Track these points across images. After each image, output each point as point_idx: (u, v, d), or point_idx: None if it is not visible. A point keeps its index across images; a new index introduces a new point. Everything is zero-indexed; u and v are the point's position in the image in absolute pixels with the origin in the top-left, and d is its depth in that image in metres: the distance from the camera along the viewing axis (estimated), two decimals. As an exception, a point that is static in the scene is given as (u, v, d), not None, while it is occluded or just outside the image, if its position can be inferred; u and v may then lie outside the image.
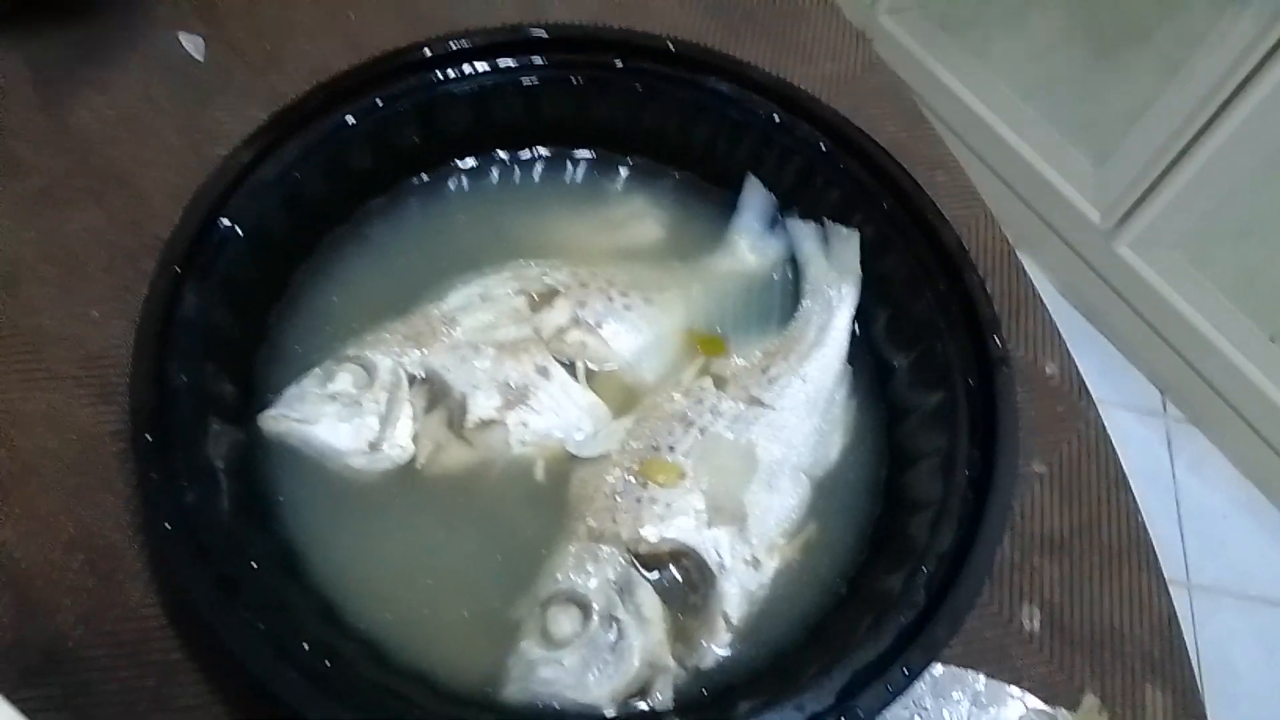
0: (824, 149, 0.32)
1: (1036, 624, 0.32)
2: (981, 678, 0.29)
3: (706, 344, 0.31)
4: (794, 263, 0.33)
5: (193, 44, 0.40)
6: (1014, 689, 0.29)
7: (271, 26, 0.37)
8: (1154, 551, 0.35)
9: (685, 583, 0.27)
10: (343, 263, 0.31)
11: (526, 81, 0.31)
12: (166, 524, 0.23)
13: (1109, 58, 1.29)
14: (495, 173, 0.33)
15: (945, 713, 0.28)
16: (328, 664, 0.22)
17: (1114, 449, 0.36)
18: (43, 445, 0.33)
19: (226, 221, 0.28)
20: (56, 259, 0.37)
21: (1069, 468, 0.35)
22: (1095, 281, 1.39)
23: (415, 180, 0.32)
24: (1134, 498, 0.36)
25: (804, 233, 0.33)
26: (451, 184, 0.32)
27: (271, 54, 0.35)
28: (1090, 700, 0.32)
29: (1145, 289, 1.33)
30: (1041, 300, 0.41)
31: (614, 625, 0.24)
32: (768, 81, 0.33)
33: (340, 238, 0.31)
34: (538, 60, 0.31)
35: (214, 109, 0.35)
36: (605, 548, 0.25)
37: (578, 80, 0.32)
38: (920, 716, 0.28)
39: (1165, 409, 1.39)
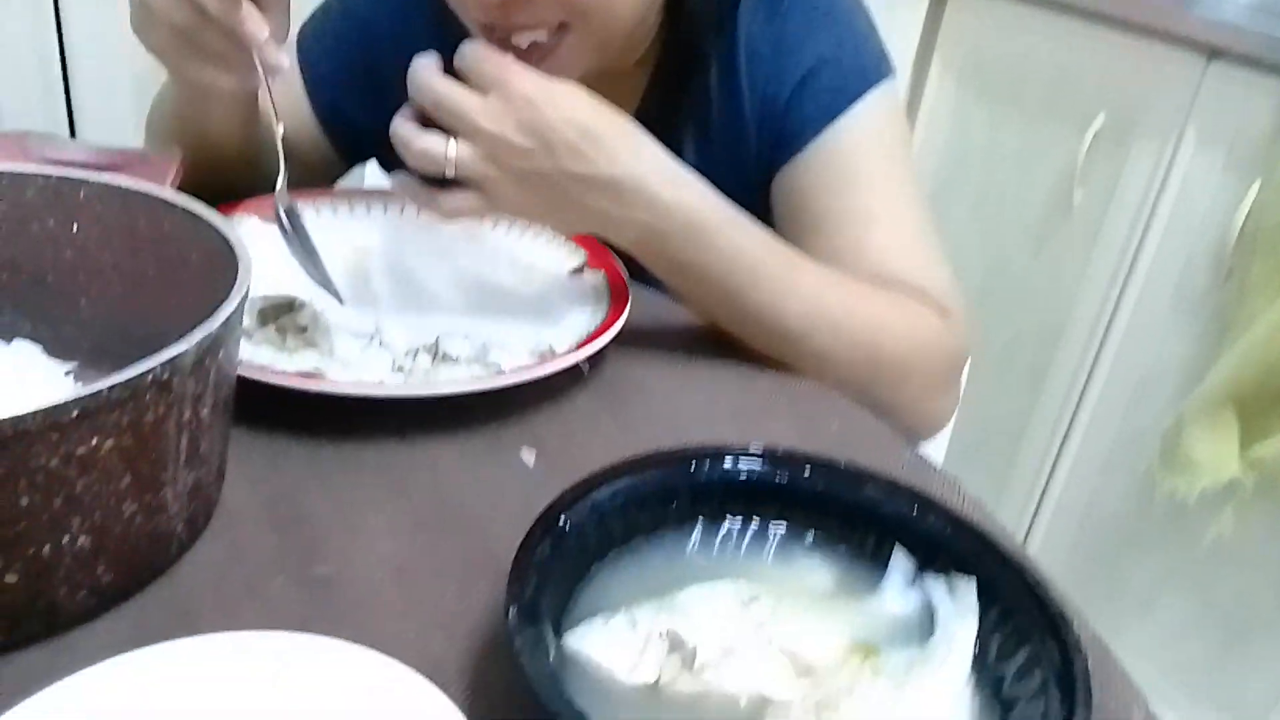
0: (947, 532, 0.46)
1: None
2: None
3: (865, 649, 0.43)
4: (930, 607, 0.46)
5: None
6: None
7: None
8: None
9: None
10: (625, 564, 0.46)
11: (744, 477, 0.48)
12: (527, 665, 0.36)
13: (1241, 642, 1.36)
14: (723, 530, 0.49)
15: None
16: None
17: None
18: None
19: (563, 521, 0.43)
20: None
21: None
22: None
23: (673, 528, 0.48)
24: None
25: (935, 585, 0.46)
26: (697, 532, 0.48)
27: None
28: None
29: None
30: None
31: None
32: (906, 488, 0.48)
33: (624, 551, 0.46)
34: (756, 466, 0.48)
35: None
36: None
37: (779, 480, 0.48)
38: None
39: None
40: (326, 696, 0.36)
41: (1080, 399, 1.50)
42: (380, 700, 0.35)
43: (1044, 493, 1.57)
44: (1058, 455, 1.54)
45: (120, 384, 0.37)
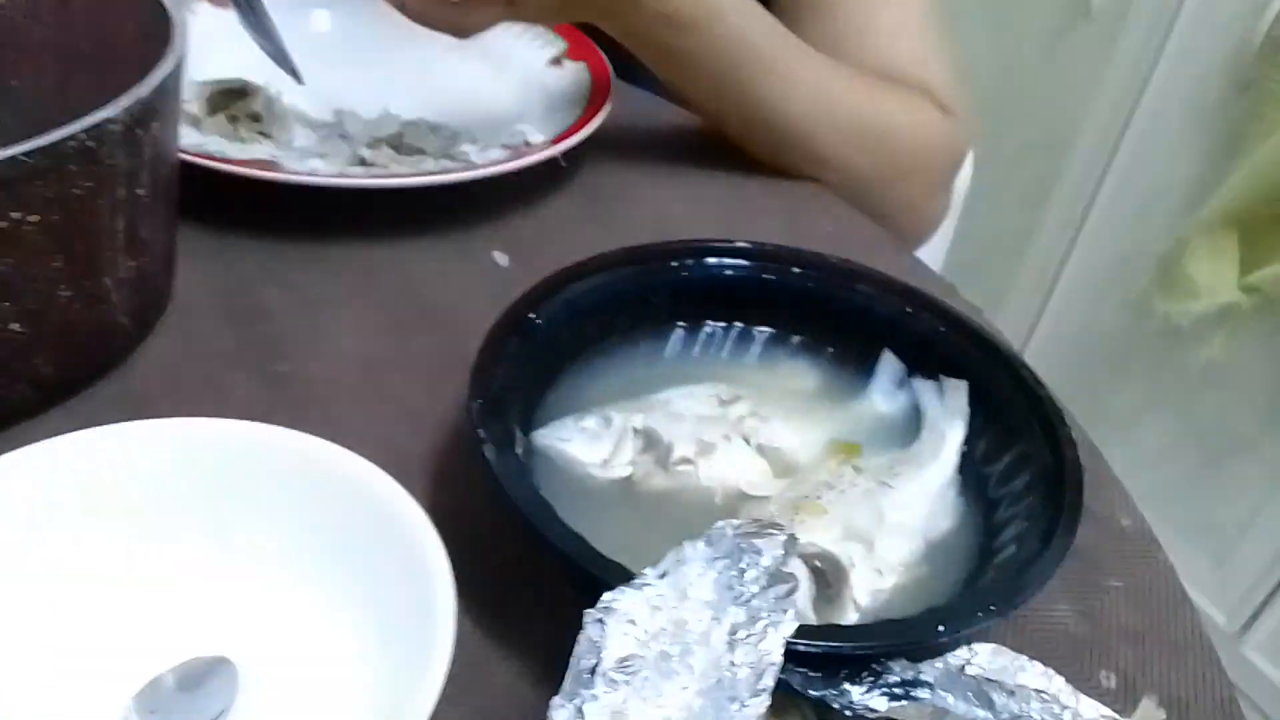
0: (941, 331, 0.44)
1: (1112, 683, 0.38)
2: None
3: (847, 447, 0.42)
4: (917, 410, 0.44)
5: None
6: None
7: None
8: (1214, 649, 0.41)
9: (820, 582, 0.36)
10: (598, 365, 0.44)
11: (730, 274, 0.45)
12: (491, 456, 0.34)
13: (1218, 466, 1.32)
14: (703, 333, 0.46)
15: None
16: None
17: (1177, 574, 0.44)
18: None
19: (533, 316, 0.41)
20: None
21: (1140, 583, 0.42)
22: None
23: (651, 330, 0.45)
24: (1195, 609, 0.42)
25: (925, 388, 0.44)
26: (676, 334, 0.46)
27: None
28: (1148, 702, 0.37)
29: (1276, 693, 1.27)
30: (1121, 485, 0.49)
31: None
32: (901, 286, 0.45)
33: (597, 352, 0.44)
34: (743, 262, 0.46)
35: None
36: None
37: (767, 278, 0.46)
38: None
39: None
40: (279, 485, 0.34)
41: (1085, 215, 1.45)
42: (336, 490, 0.34)
43: (1041, 311, 1.55)
44: (1057, 273, 1.51)
45: (40, 149, 0.33)
